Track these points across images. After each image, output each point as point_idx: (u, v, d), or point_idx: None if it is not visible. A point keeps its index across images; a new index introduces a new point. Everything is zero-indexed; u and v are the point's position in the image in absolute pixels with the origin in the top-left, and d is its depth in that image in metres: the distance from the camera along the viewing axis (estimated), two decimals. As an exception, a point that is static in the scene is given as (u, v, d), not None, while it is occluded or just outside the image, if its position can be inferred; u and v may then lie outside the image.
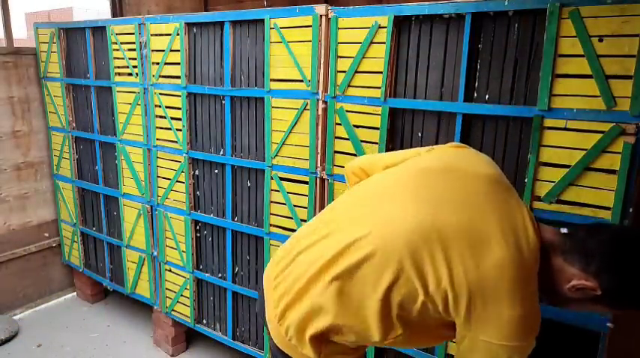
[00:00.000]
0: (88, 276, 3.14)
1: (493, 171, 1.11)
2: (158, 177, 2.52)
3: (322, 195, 1.95)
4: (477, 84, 1.57)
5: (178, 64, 2.28)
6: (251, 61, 2.07)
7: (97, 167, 2.87)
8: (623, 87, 1.31)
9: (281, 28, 1.91)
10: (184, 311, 2.56)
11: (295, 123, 1.94)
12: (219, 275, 2.39)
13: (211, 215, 2.36)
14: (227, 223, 2.28)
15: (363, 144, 1.79)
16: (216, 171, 2.30)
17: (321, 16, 1.79)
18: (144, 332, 2.89)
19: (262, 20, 1.97)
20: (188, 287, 2.50)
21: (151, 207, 2.59)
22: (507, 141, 1.54)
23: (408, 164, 1.20)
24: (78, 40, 2.78)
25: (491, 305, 0.94)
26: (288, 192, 2.03)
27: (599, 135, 1.35)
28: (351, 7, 1.74)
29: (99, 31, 2.64)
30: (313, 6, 1.80)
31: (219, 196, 2.32)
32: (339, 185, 1.87)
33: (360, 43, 1.72)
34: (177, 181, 2.42)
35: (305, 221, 1.98)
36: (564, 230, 1.04)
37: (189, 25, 2.23)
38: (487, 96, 1.55)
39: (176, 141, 2.38)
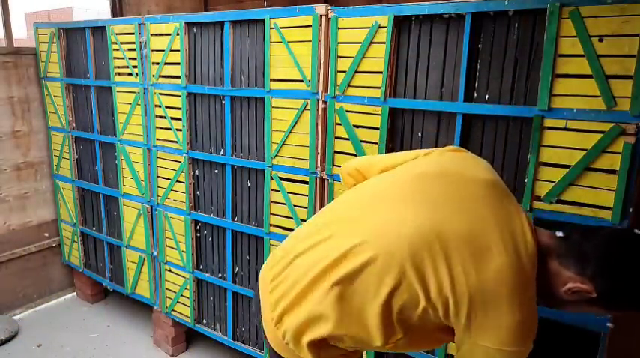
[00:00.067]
0: (88, 276, 3.14)
1: (491, 176, 1.11)
2: (158, 177, 2.52)
3: (322, 195, 1.95)
4: (477, 84, 1.57)
5: (178, 64, 2.28)
6: (251, 61, 2.07)
7: (97, 167, 2.87)
8: (623, 87, 1.31)
9: (281, 28, 1.91)
10: (184, 311, 2.56)
11: (295, 123, 1.94)
12: (219, 275, 2.39)
13: (211, 215, 2.36)
14: (227, 223, 2.28)
15: (363, 144, 1.79)
16: (216, 171, 2.30)
17: (321, 16, 1.79)
18: (144, 332, 2.89)
19: (262, 20, 1.97)
20: (188, 287, 2.50)
21: (151, 207, 2.60)
22: (507, 141, 1.54)
23: (406, 168, 1.19)
24: (78, 40, 2.78)
25: (492, 312, 0.94)
26: (288, 192, 2.03)
27: (599, 135, 1.35)
28: (351, 7, 1.74)
29: (99, 31, 2.64)
30: (313, 6, 1.80)
31: (219, 196, 2.32)
32: (339, 185, 1.87)
33: (360, 43, 1.72)
34: (177, 181, 2.42)
35: (305, 221, 1.98)
36: (560, 233, 1.04)
37: (189, 25, 2.23)
38: (487, 96, 1.55)
39: (176, 141, 2.38)
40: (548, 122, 1.42)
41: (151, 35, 2.35)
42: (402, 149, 1.74)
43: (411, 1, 1.69)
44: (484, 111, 1.54)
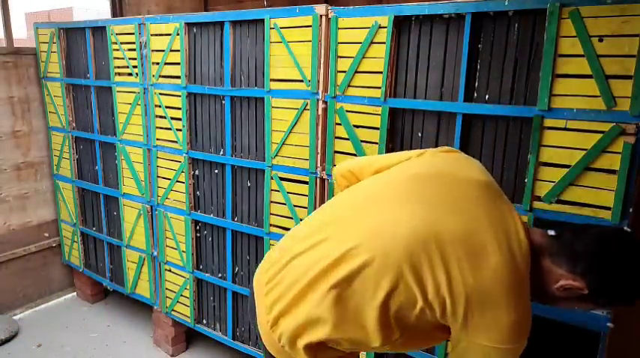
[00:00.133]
0: (88, 276, 3.14)
1: (484, 177, 1.12)
2: (158, 177, 2.52)
3: (322, 195, 1.95)
4: (476, 84, 1.57)
5: (178, 64, 2.28)
6: (251, 61, 2.07)
7: (97, 167, 2.87)
8: (623, 87, 1.31)
9: (281, 28, 1.91)
10: (184, 311, 2.56)
11: (295, 123, 1.94)
12: (219, 275, 2.39)
13: (211, 215, 2.36)
14: (227, 223, 2.28)
15: (363, 144, 1.79)
16: (216, 171, 2.30)
17: (321, 16, 1.79)
18: (144, 332, 2.89)
19: (262, 20, 1.97)
20: (188, 287, 2.50)
21: (151, 207, 2.60)
22: (507, 141, 1.54)
23: (400, 169, 1.19)
24: (78, 40, 2.78)
25: (488, 311, 0.96)
26: (288, 192, 2.03)
27: (599, 135, 1.35)
28: (351, 7, 1.74)
29: (99, 31, 2.64)
30: (313, 6, 1.80)
31: (219, 196, 2.32)
32: (339, 185, 1.87)
33: (360, 43, 1.72)
34: (177, 181, 2.42)
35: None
36: (552, 232, 1.06)
37: (189, 25, 2.23)
38: (487, 97, 1.55)
39: (176, 141, 2.38)
40: (548, 122, 1.42)
41: (151, 35, 2.35)
42: (402, 149, 1.74)
43: (411, 1, 1.69)
44: (484, 111, 1.54)
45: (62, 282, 3.31)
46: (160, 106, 2.41)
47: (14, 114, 2.94)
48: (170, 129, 2.39)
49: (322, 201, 1.95)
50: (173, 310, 2.61)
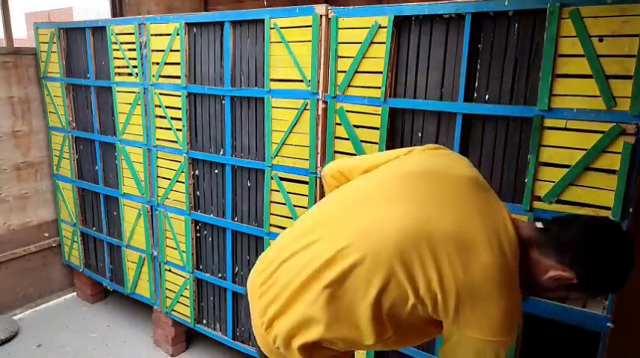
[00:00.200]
0: (88, 276, 3.14)
1: (473, 173, 1.14)
2: (158, 177, 2.52)
3: (322, 195, 1.94)
4: (476, 84, 1.57)
5: (178, 64, 2.28)
6: (251, 61, 2.07)
7: (97, 167, 2.87)
8: (623, 87, 1.31)
9: (281, 28, 1.91)
10: (184, 311, 2.56)
11: (295, 123, 1.94)
12: (219, 275, 2.39)
13: (211, 215, 2.36)
14: (227, 223, 2.28)
15: (363, 144, 1.79)
16: (216, 171, 2.30)
17: (321, 16, 1.79)
18: (144, 332, 2.89)
19: (262, 20, 1.97)
20: (188, 287, 2.50)
21: (151, 207, 2.60)
22: (507, 141, 1.54)
23: (389, 167, 1.20)
24: (78, 40, 2.78)
25: (479, 306, 0.97)
26: (288, 192, 2.03)
27: (599, 135, 1.35)
28: (351, 7, 1.74)
29: (99, 31, 2.64)
30: (313, 6, 1.80)
31: (219, 196, 2.32)
32: (339, 185, 1.87)
33: (360, 43, 1.72)
34: (177, 181, 2.42)
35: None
36: (539, 224, 1.08)
37: (189, 25, 2.23)
38: (487, 97, 1.55)
39: (176, 141, 2.38)
40: (548, 122, 1.42)
41: (151, 35, 2.35)
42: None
43: (411, 1, 1.69)
44: (484, 111, 1.54)
45: (62, 282, 3.31)
46: (159, 106, 2.41)
47: (14, 114, 2.94)
48: (170, 129, 2.39)
49: (322, 201, 1.95)
50: (173, 310, 2.61)
